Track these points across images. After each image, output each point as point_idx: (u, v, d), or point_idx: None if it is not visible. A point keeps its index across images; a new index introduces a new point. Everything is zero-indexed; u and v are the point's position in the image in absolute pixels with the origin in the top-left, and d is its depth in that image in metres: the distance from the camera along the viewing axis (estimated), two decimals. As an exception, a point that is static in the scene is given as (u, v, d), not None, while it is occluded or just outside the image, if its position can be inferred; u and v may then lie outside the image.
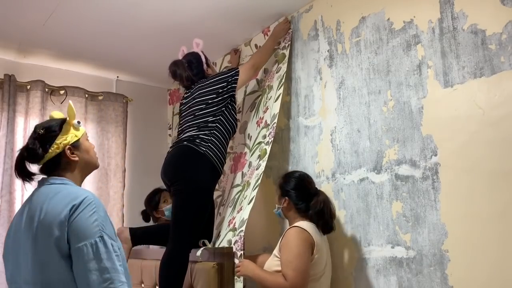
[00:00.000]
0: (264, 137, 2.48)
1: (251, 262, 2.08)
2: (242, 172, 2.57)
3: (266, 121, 2.53)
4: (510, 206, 1.63)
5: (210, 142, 2.30)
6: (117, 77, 3.63)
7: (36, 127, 1.51)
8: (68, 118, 1.53)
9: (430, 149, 1.90)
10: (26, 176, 1.50)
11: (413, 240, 1.92)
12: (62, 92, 3.28)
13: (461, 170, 1.79)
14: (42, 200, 1.40)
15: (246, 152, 2.65)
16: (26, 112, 3.12)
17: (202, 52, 2.59)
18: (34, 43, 2.95)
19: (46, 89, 3.21)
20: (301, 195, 2.11)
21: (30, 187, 1.54)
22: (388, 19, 2.14)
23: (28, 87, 3.14)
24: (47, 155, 1.47)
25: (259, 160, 2.41)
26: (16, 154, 1.52)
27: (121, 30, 2.83)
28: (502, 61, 1.71)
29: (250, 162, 2.53)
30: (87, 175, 1.60)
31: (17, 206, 2.91)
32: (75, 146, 1.52)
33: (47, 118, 1.56)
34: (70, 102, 1.60)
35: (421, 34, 1.99)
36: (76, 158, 1.51)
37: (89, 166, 1.58)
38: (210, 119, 2.36)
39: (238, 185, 2.55)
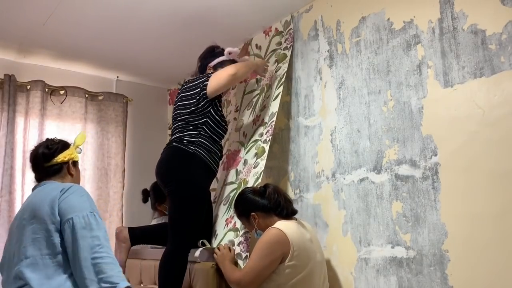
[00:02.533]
0: (261, 135, 2.46)
1: (228, 252, 2.07)
2: (236, 169, 2.55)
3: (263, 119, 2.52)
4: (510, 206, 1.63)
5: (198, 142, 2.28)
6: (117, 77, 3.63)
7: (53, 138, 1.83)
8: (75, 142, 1.83)
9: (430, 149, 1.90)
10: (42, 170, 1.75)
11: (413, 240, 1.92)
12: (62, 92, 3.28)
13: (461, 170, 1.79)
14: (34, 193, 1.68)
15: (240, 149, 2.64)
16: (26, 112, 3.11)
17: (228, 58, 2.48)
18: (34, 43, 2.95)
19: (46, 89, 3.21)
20: (258, 197, 2.05)
21: (30, 186, 1.65)
22: (388, 19, 2.14)
23: (28, 87, 3.14)
24: (55, 159, 1.73)
25: (256, 158, 2.39)
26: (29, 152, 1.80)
27: (121, 30, 2.83)
28: (502, 61, 1.70)
29: (246, 160, 2.51)
30: None
31: (17, 206, 2.91)
32: (75, 164, 1.82)
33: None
34: (83, 132, 1.99)
35: (421, 34, 1.99)
36: (73, 173, 1.79)
37: None
38: (196, 120, 2.31)
39: (232, 182, 2.53)
